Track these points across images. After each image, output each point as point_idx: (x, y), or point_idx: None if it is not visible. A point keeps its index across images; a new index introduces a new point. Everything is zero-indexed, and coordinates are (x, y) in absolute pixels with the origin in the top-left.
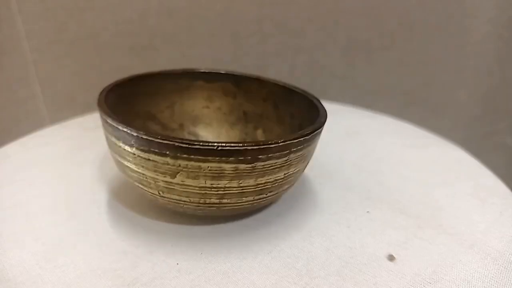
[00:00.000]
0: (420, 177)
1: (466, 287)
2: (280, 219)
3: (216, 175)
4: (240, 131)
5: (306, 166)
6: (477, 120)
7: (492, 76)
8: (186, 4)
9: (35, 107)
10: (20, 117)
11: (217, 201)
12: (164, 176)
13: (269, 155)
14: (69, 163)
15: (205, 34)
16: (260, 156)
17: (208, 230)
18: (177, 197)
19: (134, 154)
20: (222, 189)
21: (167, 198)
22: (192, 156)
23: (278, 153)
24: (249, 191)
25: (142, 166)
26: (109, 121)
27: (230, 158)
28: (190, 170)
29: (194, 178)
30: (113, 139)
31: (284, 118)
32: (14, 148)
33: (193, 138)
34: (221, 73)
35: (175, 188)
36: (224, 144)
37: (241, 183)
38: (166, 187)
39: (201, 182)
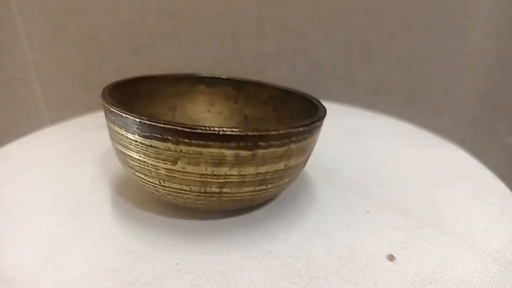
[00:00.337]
0: (420, 177)
1: (466, 287)
2: (280, 219)
3: (217, 161)
4: None
5: (306, 161)
6: (477, 120)
7: (492, 76)
8: (186, 4)
9: (35, 107)
10: (20, 117)
11: (217, 190)
12: (165, 163)
13: (270, 143)
14: (69, 163)
15: (205, 34)
16: (260, 143)
17: (208, 230)
18: (178, 186)
19: (136, 141)
20: (223, 176)
21: (168, 187)
22: (194, 141)
23: (278, 141)
24: (250, 181)
25: (144, 154)
26: (113, 108)
27: (231, 144)
28: (191, 156)
29: (195, 164)
30: (116, 128)
31: (285, 120)
32: (14, 148)
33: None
34: (222, 78)
35: (176, 175)
36: (225, 129)
37: (241, 171)
38: (167, 175)
39: (202, 169)
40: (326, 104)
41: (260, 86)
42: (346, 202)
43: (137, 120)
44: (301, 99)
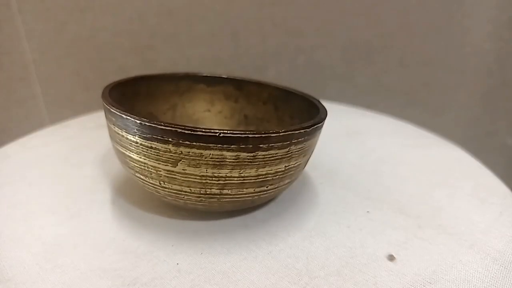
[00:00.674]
0: (420, 177)
1: (466, 287)
2: (280, 219)
3: (218, 163)
4: None
5: (306, 162)
6: (477, 120)
7: (492, 76)
8: (186, 4)
9: (35, 107)
10: (20, 117)
11: (217, 191)
12: (166, 165)
13: (270, 145)
14: (69, 163)
15: (205, 34)
16: (261, 145)
17: (208, 230)
18: (178, 187)
19: (137, 143)
20: (223, 178)
21: (168, 188)
22: (194, 143)
23: (279, 143)
24: (250, 182)
25: (144, 155)
26: (113, 109)
27: (232, 146)
28: (192, 157)
29: (196, 166)
30: (116, 129)
31: (285, 120)
32: (14, 148)
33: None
34: (222, 77)
35: (177, 177)
36: (226, 131)
37: (242, 173)
38: (168, 176)
39: (202, 171)
40: (326, 104)
41: (260, 85)
42: (346, 202)
43: (138, 121)
44: (301, 99)
